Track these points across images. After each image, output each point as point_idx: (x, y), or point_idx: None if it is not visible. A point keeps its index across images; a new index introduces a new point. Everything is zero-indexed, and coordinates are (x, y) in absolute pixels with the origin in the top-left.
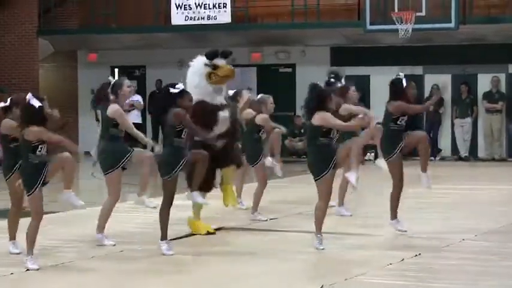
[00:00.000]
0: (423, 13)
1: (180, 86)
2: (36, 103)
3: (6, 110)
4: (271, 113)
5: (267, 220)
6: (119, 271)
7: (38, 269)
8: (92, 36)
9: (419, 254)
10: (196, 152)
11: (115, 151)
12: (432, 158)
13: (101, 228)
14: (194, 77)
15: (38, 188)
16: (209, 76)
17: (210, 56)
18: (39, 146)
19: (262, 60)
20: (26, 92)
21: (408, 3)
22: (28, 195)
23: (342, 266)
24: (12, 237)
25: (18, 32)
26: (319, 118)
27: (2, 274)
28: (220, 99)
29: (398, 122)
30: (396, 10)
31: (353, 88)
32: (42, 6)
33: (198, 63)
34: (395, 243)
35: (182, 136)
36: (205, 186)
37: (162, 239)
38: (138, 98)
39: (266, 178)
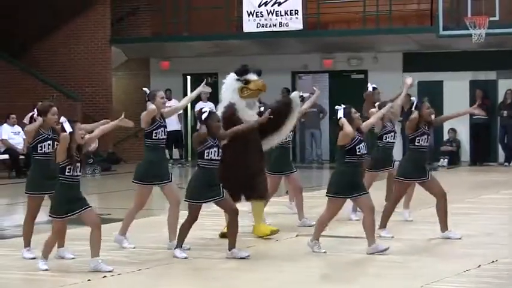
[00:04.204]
0: (497, 17)
1: (206, 109)
2: (68, 128)
3: (32, 120)
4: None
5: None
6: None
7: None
8: (164, 44)
9: (496, 260)
10: (226, 201)
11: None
12: (507, 163)
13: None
14: (227, 94)
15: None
16: (241, 91)
17: (240, 73)
18: (67, 167)
19: (334, 66)
20: (99, 101)
21: (482, 8)
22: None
23: (417, 272)
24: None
25: (91, 41)
26: (340, 136)
27: (79, 281)
28: (252, 114)
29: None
30: (469, 15)
31: (377, 91)
32: (115, 15)
33: (230, 80)
34: (470, 249)
35: (205, 157)
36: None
37: (176, 247)
38: (210, 105)
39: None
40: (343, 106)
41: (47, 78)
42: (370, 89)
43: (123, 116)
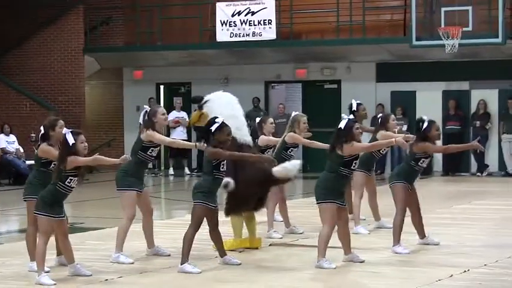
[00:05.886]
0: (470, 28)
1: (219, 119)
2: (70, 140)
3: (44, 137)
4: (303, 131)
5: (302, 232)
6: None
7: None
8: (137, 53)
9: (468, 270)
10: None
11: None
12: (479, 174)
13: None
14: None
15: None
16: None
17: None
18: (70, 177)
19: (307, 76)
20: (72, 110)
21: (455, 18)
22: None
23: (389, 281)
24: (34, 258)
25: (64, 50)
26: (350, 149)
27: None
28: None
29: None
30: (443, 25)
31: (393, 117)
32: (88, 24)
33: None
34: (442, 258)
35: (221, 169)
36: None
37: (182, 263)
38: (183, 114)
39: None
40: (348, 117)
41: (20, 86)
42: (354, 106)
43: (125, 156)
